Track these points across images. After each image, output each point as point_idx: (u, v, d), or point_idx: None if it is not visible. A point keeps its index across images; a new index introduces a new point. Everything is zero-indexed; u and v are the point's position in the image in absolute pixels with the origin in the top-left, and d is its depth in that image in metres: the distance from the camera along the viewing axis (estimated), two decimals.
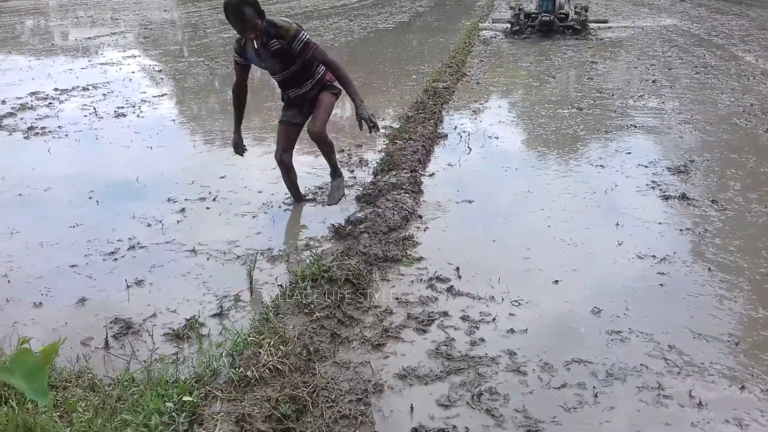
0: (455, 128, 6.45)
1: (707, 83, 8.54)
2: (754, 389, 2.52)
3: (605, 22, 14.81)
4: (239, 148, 4.39)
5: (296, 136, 4.38)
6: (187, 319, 3.01)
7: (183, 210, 4.43)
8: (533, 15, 13.48)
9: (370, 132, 4.04)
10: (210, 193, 4.70)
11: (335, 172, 4.59)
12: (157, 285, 3.42)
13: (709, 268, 3.51)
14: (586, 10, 13.71)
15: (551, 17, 13.01)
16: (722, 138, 6.01)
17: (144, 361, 2.60)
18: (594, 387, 2.53)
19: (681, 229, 4.03)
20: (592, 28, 13.71)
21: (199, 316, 3.05)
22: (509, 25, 13.72)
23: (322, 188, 4.71)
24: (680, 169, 5.08)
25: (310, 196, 4.58)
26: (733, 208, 4.34)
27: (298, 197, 4.50)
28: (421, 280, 3.41)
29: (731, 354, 2.75)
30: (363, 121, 3.97)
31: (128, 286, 3.39)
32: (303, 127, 4.30)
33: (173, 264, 3.65)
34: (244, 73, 4.18)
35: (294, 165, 4.40)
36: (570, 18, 13.30)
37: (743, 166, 5.19)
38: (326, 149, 4.39)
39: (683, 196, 4.50)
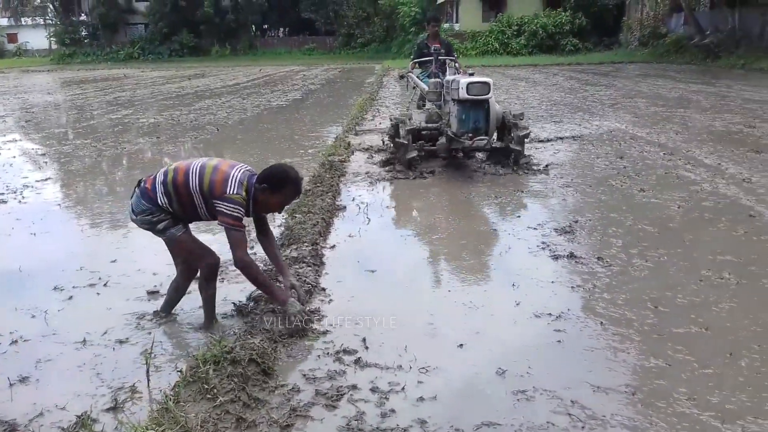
0: (353, 200, 6.55)
1: (583, 149, 9.17)
2: None
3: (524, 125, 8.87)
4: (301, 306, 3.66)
5: None
6: (78, 416, 2.80)
7: (71, 298, 4.18)
8: (433, 133, 7.73)
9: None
10: (100, 278, 4.47)
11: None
12: (44, 381, 3.18)
13: (602, 323, 3.68)
14: (522, 118, 7.57)
15: (488, 141, 7.35)
16: (601, 199, 6.44)
17: None
18: None
19: (572, 287, 4.22)
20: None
21: (91, 412, 2.85)
22: (387, 140, 8.53)
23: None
24: (566, 229, 5.37)
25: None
26: (617, 263, 4.61)
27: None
28: (327, 353, 3.36)
29: (630, 404, 2.87)
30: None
31: (11, 385, 3.12)
32: None
33: (61, 357, 3.41)
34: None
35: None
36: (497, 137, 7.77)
37: (622, 224, 5.55)
38: None
39: (571, 255, 4.74)
